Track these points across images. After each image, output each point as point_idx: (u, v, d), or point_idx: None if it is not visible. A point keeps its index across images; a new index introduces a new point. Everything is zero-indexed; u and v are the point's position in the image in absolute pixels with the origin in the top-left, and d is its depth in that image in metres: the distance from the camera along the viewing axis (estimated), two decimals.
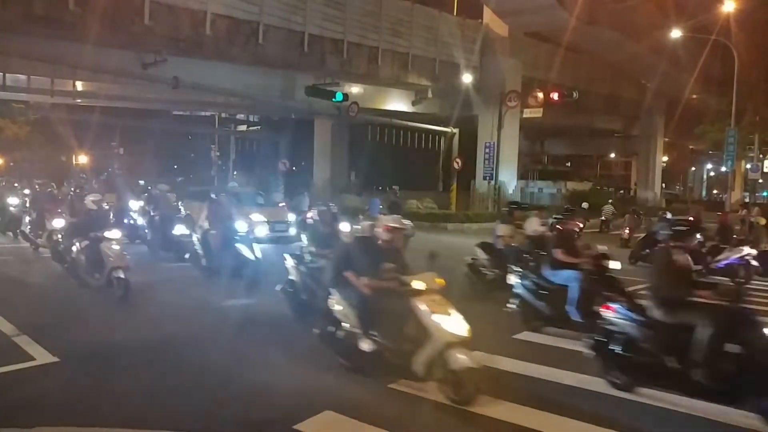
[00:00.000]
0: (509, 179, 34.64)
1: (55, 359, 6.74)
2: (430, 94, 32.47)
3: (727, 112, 31.34)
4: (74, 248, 10.88)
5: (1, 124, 41.91)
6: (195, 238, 12.55)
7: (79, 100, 33.02)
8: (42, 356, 6.82)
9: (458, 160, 32.89)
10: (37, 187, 23.02)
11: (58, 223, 13.23)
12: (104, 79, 26.52)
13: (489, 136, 33.03)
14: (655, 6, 32.29)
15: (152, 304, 10.01)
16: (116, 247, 10.31)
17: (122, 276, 9.97)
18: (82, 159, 47.56)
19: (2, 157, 44.04)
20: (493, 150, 32.55)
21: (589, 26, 30.70)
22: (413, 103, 33.31)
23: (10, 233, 18.74)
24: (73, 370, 6.50)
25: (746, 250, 13.68)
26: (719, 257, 13.70)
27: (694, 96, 39.77)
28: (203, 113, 54.36)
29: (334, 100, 26.18)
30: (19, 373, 6.33)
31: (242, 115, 58.44)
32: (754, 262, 13.67)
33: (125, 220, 16.61)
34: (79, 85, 29.15)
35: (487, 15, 34.04)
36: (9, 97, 34.36)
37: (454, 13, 35.05)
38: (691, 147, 55.91)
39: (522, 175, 42.11)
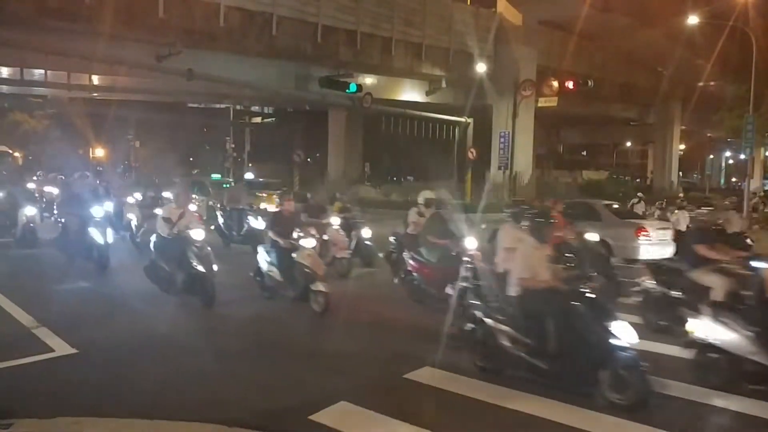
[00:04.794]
0: (524, 169, 34.46)
1: (74, 351, 6.82)
2: (444, 84, 32.31)
3: (745, 98, 30.78)
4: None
5: (20, 118, 42.35)
6: None
7: (95, 94, 33.28)
8: (61, 348, 6.90)
9: (473, 150, 32.79)
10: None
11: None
12: (120, 72, 26.69)
13: (504, 126, 32.91)
14: None
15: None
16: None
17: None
18: (99, 152, 47.87)
19: (20, 151, 44.49)
20: (507, 139, 32.44)
21: (603, 13, 30.44)
22: (427, 93, 33.18)
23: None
24: (92, 362, 6.58)
25: None
26: None
27: (712, 83, 39.20)
28: (218, 105, 54.65)
29: (347, 91, 26.21)
30: (39, 364, 6.41)
31: (257, 107, 58.64)
32: None
33: None
34: (96, 79, 29.38)
35: (501, 3, 33.83)
36: (27, 92, 34.70)
37: (468, 2, 34.84)
38: (708, 134, 55.17)
39: (537, 165, 41.92)
